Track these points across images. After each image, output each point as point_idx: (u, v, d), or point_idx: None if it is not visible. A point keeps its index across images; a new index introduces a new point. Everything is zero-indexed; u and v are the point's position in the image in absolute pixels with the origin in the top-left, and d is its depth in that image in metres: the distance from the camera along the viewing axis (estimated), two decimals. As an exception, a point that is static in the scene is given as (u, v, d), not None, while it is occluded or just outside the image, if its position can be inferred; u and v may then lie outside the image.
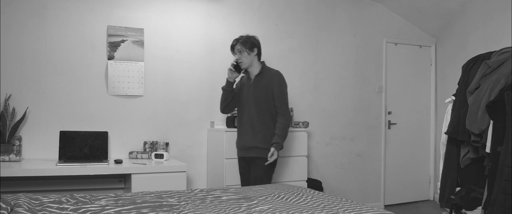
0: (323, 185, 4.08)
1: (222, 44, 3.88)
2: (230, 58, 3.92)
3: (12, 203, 1.73)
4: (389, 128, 4.70)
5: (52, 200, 1.89)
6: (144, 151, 3.42)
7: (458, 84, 3.20)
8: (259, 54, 3.04)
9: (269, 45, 4.09)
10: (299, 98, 4.21)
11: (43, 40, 3.29)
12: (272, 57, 4.11)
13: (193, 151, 3.75)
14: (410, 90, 4.83)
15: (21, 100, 3.21)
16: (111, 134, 3.43)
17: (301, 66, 4.24)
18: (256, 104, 2.96)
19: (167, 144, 3.53)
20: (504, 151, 2.48)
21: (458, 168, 3.12)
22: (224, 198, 2.08)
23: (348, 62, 4.48)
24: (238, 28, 3.96)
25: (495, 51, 2.98)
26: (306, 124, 3.77)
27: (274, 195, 2.14)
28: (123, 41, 3.49)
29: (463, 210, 3.01)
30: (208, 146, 3.79)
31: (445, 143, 3.24)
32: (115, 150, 3.45)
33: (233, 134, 3.41)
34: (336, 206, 1.88)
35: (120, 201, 1.92)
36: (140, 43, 3.54)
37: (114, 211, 1.72)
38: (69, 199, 1.93)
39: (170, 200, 1.99)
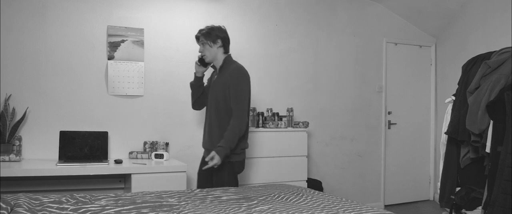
0: (323, 185, 4.08)
1: (222, 44, 3.88)
2: (230, 58, 3.93)
3: (12, 203, 1.73)
4: (389, 128, 4.70)
5: (52, 200, 1.89)
6: (144, 151, 3.42)
7: (458, 84, 3.20)
8: (225, 46, 2.76)
9: (269, 45, 4.09)
10: (299, 98, 4.21)
11: (43, 40, 3.29)
12: (272, 57, 4.11)
13: (193, 151, 3.74)
14: (410, 90, 4.83)
15: (21, 100, 3.21)
16: (111, 134, 3.43)
17: (301, 66, 4.23)
18: (215, 103, 2.69)
19: (167, 144, 3.53)
20: (504, 151, 2.48)
21: (458, 168, 3.12)
22: (224, 198, 2.08)
23: (348, 62, 4.48)
24: (238, 28, 3.96)
25: (495, 51, 2.98)
26: (306, 124, 3.77)
27: (274, 195, 2.14)
28: (123, 41, 3.49)
29: (463, 210, 3.01)
30: (208, 146, 3.79)
31: (445, 143, 3.24)
32: (115, 150, 3.45)
33: (233, 134, 3.40)
34: (336, 206, 1.88)
35: (120, 201, 1.92)
36: (140, 43, 3.54)
37: (114, 211, 1.72)
38: (69, 199, 1.93)
39: (170, 200, 1.99)
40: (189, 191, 2.26)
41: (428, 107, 4.94)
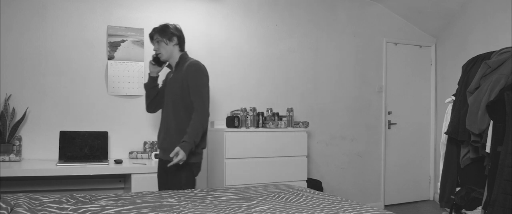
0: (323, 185, 4.08)
1: (222, 44, 3.89)
2: (230, 58, 3.93)
3: (12, 203, 1.73)
4: (389, 128, 4.70)
5: (52, 200, 1.89)
6: (144, 151, 3.42)
7: (458, 84, 3.20)
8: (180, 44, 2.67)
9: (269, 45, 4.09)
10: (299, 98, 4.21)
11: (43, 40, 3.29)
12: (272, 57, 4.11)
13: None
14: (410, 90, 4.83)
15: (21, 100, 3.21)
16: (111, 134, 3.43)
17: (301, 66, 4.23)
18: (173, 101, 2.60)
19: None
20: (504, 151, 2.48)
21: (458, 168, 3.12)
22: (224, 198, 2.08)
23: (348, 62, 4.48)
24: (238, 28, 3.96)
25: (495, 51, 2.98)
26: (306, 124, 3.77)
27: (274, 195, 2.14)
28: (123, 41, 3.49)
29: (463, 210, 3.01)
30: (208, 146, 3.79)
31: (445, 143, 3.24)
32: (115, 150, 3.45)
33: (233, 134, 3.41)
34: (336, 206, 1.88)
35: (120, 201, 1.92)
36: (140, 43, 3.54)
37: (114, 211, 1.72)
38: (69, 199, 1.93)
39: (170, 200, 1.99)
40: (189, 191, 2.26)
41: (428, 107, 4.94)
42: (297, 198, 2.08)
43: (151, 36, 2.66)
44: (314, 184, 3.84)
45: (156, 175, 2.99)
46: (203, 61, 3.78)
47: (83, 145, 3.18)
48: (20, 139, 3.16)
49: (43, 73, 3.29)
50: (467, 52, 4.15)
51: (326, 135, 4.35)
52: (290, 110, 3.75)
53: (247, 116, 3.54)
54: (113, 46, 3.46)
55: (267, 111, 3.75)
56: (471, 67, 3.10)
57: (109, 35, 3.45)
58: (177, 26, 2.69)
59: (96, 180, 3.27)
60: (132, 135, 3.50)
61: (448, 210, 3.11)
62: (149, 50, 3.57)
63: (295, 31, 4.22)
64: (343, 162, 4.45)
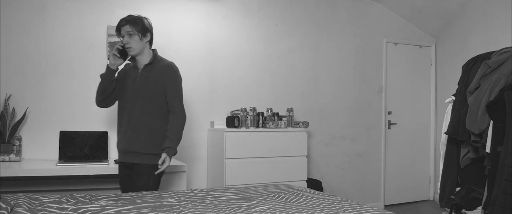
0: (323, 185, 4.08)
1: (222, 44, 3.89)
2: (230, 58, 3.93)
3: (12, 203, 1.73)
4: (389, 128, 4.70)
5: (52, 200, 1.89)
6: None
7: (458, 84, 3.20)
8: (151, 42, 2.54)
9: (269, 45, 4.09)
10: (299, 98, 4.21)
11: (43, 40, 3.29)
12: (272, 57, 4.11)
13: (193, 151, 3.75)
14: (410, 90, 4.83)
15: (21, 100, 3.21)
16: (111, 134, 3.42)
17: (301, 66, 4.23)
18: (143, 101, 2.44)
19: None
20: (504, 151, 2.48)
21: (458, 168, 3.12)
22: (224, 198, 2.08)
23: (348, 62, 4.48)
24: (238, 28, 3.96)
25: (495, 51, 2.98)
26: (306, 124, 3.77)
27: (274, 195, 2.14)
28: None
29: (463, 210, 3.01)
30: (208, 146, 3.79)
31: (445, 143, 3.24)
32: (115, 150, 3.44)
33: (233, 134, 3.41)
34: (336, 206, 1.88)
35: (120, 201, 1.92)
36: (140, 43, 3.53)
37: (114, 211, 1.72)
38: (69, 199, 1.93)
39: (170, 200, 1.99)
40: (189, 191, 2.26)
41: (428, 107, 4.94)
42: (297, 198, 2.07)
43: (121, 26, 2.43)
44: (314, 184, 3.84)
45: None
46: (203, 61, 3.82)
47: (83, 145, 3.18)
48: (20, 139, 3.16)
49: (43, 73, 3.29)
50: (467, 52, 4.15)
51: (326, 135, 4.35)
52: (290, 110, 3.75)
53: (247, 116, 3.54)
54: (113, 46, 3.45)
55: (267, 111, 3.75)
56: (471, 67, 3.10)
57: (109, 35, 3.45)
58: (149, 20, 2.53)
59: (96, 180, 3.26)
60: (132, 135, 3.50)
61: (448, 210, 3.11)
62: (149, 50, 3.57)
63: (295, 31, 4.22)
64: (343, 162, 4.45)
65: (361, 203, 2.03)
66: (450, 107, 3.26)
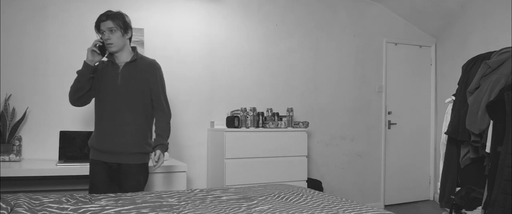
0: (323, 185, 4.08)
1: (222, 44, 3.89)
2: (230, 58, 3.93)
3: (12, 203, 1.73)
4: (389, 128, 4.70)
5: (52, 200, 1.89)
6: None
7: (458, 84, 3.20)
8: (131, 39, 2.48)
9: (269, 45, 4.09)
10: (299, 98, 4.21)
11: (43, 40, 3.29)
12: (272, 57, 4.11)
13: (193, 151, 3.75)
14: (410, 90, 4.83)
15: (21, 100, 3.21)
16: (111, 134, 3.42)
17: (301, 66, 4.23)
18: (127, 99, 2.37)
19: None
20: (504, 151, 2.48)
21: (458, 168, 3.12)
22: (224, 198, 2.08)
23: (348, 62, 4.48)
24: (238, 28, 3.96)
25: (495, 51, 2.98)
26: (306, 124, 3.77)
27: (274, 195, 2.14)
28: (123, 41, 3.48)
29: (463, 210, 3.01)
30: (208, 146, 3.79)
31: (445, 143, 3.24)
32: (115, 150, 3.44)
33: (233, 134, 3.41)
34: (336, 206, 1.88)
35: (120, 201, 1.92)
36: (140, 43, 3.53)
37: (114, 211, 1.72)
38: (69, 199, 1.93)
39: (170, 200, 1.99)
40: (189, 191, 2.26)
41: (428, 107, 4.94)
42: (297, 198, 2.08)
43: (101, 22, 2.35)
44: (314, 184, 3.84)
45: (155, 175, 2.98)
46: (203, 61, 3.82)
47: (83, 145, 3.18)
48: (20, 139, 3.16)
49: (43, 73, 3.29)
50: (467, 52, 4.15)
51: (326, 135, 4.35)
52: (290, 110, 3.75)
53: (247, 116, 3.54)
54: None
55: (267, 111, 3.76)
56: (471, 67, 3.10)
57: (109, 35, 3.45)
58: (129, 18, 2.48)
59: (96, 180, 3.26)
60: (132, 135, 3.50)
61: (448, 210, 3.11)
62: (149, 50, 3.58)
63: (295, 31, 4.22)
64: (343, 162, 4.45)
65: (361, 203, 2.03)
66: (450, 106, 3.26)
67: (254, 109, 3.60)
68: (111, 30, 2.34)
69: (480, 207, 2.85)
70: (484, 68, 2.87)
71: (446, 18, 4.60)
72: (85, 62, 2.36)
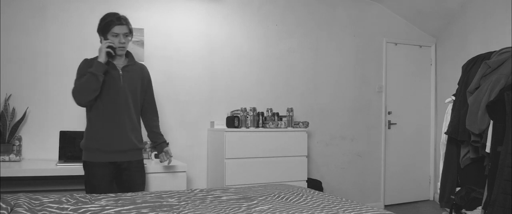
0: (323, 185, 4.08)
1: (222, 44, 3.89)
2: (230, 58, 3.93)
3: (12, 203, 1.73)
4: (389, 128, 4.70)
5: (52, 200, 1.89)
6: (144, 151, 3.42)
7: (458, 84, 3.20)
8: None
9: (269, 45, 4.09)
10: (299, 98, 4.21)
11: (43, 40, 3.29)
12: (272, 57, 4.11)
13: (193, 151, 3.75)
14: (410, 90, 4.83)
15: (21, 100, 3.21)
16: (111, 134, 3.42)
17: (301, 66, 4.23)
18: (129, 99, 2.47)
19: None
20: (504, 151, 2.48)
21: (458, 168, 3.12)
22: (224, 198, 2.08)
23: (348, 62, 4.48)
24: (238, 28, 3.96)
25: (495, 51, 2.98)
26: (306, 124, 3.77)
27: (274, 195, 2.14)
28: (123, 41, 3.48)
29: (463, 210, 3.01)
30: (208, 146, 3.79)
31: (445, 143, 3.24)
32: (115, 150, 3.44)
33: (233, 134, 3.41)
34: (336, 206, 1.88)
35: (120, 201, 1.92)
36: (140, 43, 3.53)
37: (114, 211, 1.72)
38: (69, 199, 1.93)
39: (170, 200, 1.99)
40: (189, 191, 2.26)
41: (428, 107, 4.94)
42: (297, 198, 2.08)
43: (118, 25, 2.41)
44: (314, 184, 3.84)
45: (156, 175, 2.99)
46: (203, 61, 3.82)
47: (83, 145, 3.18)
48: (20, 139, 3.16)
49: (43, 73, 3.29)
50: (467, 52, 4.15)
51: (326, 135, 4.35)
52: (290, 110, 3.75)
53: (247, 116, 3.54)
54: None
55: (267, 111, 3.76)
56: (471, 67, 3.10)
57: (109, 35, 3.45)
58: None
59: (96, 180, 3.26)
60: (132, 135, 3.50)
61: (448, 210, 3.11)
62: (150, 50, 3.58)
63: (295, 31, 4.22)
64: (343, 162, 4.45)
65: (361, 203, 2.03)
66: (450, 106, 3.26)
67: (254, 109, 3.60)
68: (126, 35, 2.45)
69: (480, 207, 2.85)
70: (484, 68, 2.87)
71: (446, 18, 4.60)
72: (99, 62, 2.39)
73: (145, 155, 3.37)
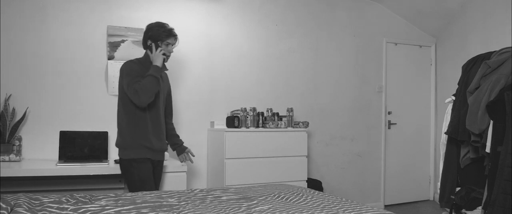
0: (323, 185, 4.08)
1: (222, 44, 3.89)
2: (230, 58, 3.94)
3: (12, 203, 1.73)
4: (389, 128, 4.70)
5: (52, 200, 1.89)
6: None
7: (458, 84, 3.20)
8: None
9: (269, 45, 4.09)
10: (299, 98, 4.21)
11: (43, 40, 3.29)
12: (272, 57, 4.11)
13: (193, 151, 3.74)
14: (410, 90, 4.83)
15: (21, 100, 3.21)
16: (111, 134, 3.42)
17: (301, 66, 4.23)
18: (163, 102, 2.78)
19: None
20: (504, 151, 2.48)
21: (458, 168, 3.12)
22: (224, 198, 2.08)
23: (348, 62, 4.48)
24: (238, 28, 3.96)
25: (495, 51, 2.98)
26: (306, 124, 3.77)
27: (274, 195, 2.14)
28: (123, 41, 3.49)
29: (463, 210, 3.01)
30: (208, 146, 3.79)
31: (445, 143, 3.24)
32: (115, 150, 3.44)
33: (233, 134, 3.41)
34: (336, 206, 1.88)
35: (120, 201, 1.92)
36: (140, 43, 3.52)
37: (114, 211, 1.72)
38: (69, 199, 1.93)
39: (170, 200, 1.99)
40: (189, 191, 2.26)
41: (428, 107, 4.94)
42: (297, 198, 2.08)
43: (172, 36, 2.69)
44: (314, 184, 3.84)
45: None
46: (203, 61, 3.82)
47: (83, 145, 3.18)
48: (20, 139, 3.16)
49: (43, 73, 3.29)
50: (467, 52, 4.15)
51: (326, 135, 4.35)
52: (290, 110, 3.75)
53: (247, 116, 3.54)
54: (113, 46, 3.46)
55: (267, 111, 3.76)
56: (471, 67, 3.10)
57: (109, 35, 3.45)
58: None
59: (96, 180, 3.26)
60: (132, 135, 3.50)
61: (448, 210, 3.11)
62: (149, 50, 3.57)
63: (295, 31, 4.22)
64: (343, 162, 4.45)
65: (361, 203, 2.03)
66: (450, 106, 3.26)
67: (254, 109, 3.60)
68: (172, 45, 2.73)
69: (480, 207, 2.85)
70: (484, 68, 2.87)
71: (446, 18, 4.60)
72: (157, 66, 2.60)
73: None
